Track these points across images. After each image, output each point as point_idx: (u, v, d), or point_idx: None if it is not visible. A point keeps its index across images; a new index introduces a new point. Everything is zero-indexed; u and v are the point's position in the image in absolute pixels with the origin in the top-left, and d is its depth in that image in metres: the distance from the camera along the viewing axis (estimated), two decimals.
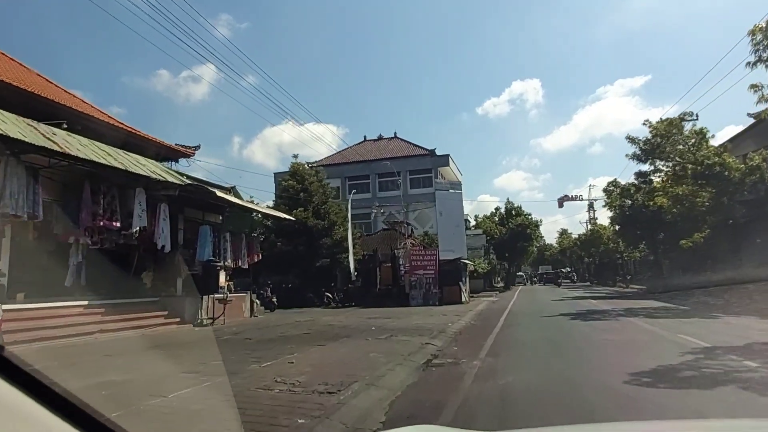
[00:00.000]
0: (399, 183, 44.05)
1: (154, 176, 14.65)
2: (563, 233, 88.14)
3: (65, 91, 17.66)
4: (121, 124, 17.55)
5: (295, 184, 31.37)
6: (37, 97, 14.80)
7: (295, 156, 33.64)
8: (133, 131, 17.60)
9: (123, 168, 13.11)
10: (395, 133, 57.00)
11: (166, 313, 15.51)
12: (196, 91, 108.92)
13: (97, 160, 12.29)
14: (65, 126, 13.02)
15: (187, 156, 20.33)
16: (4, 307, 11.19)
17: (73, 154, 11.39)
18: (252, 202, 26.23)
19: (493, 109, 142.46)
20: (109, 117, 17.22)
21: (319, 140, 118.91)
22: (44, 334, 11.20)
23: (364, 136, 58.56)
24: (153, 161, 16.49)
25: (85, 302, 13.43)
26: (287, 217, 22.11)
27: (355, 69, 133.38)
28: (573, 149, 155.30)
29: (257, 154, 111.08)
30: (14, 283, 12.75)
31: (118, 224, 13.83)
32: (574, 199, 76.69)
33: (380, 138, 57.85)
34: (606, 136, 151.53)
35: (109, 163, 12.65)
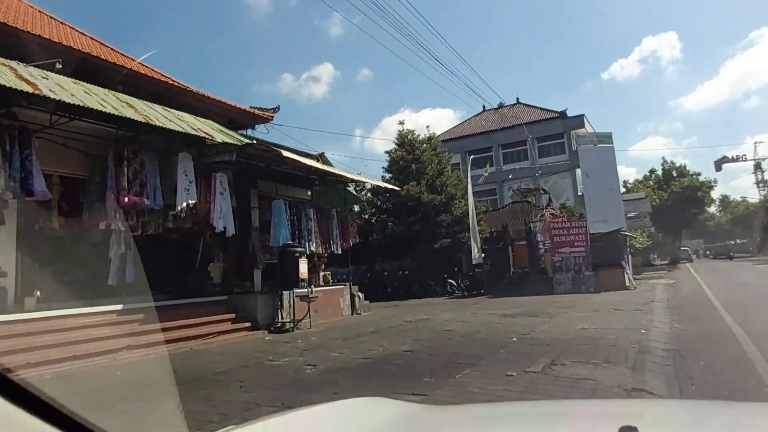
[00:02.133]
0: (528, 149, 37.51)
1: (198, 134, 10.92)
2: (723, 200, 73.57)
3: (122, 54, 14.82)
4: (180, 83, 14.27)
5: (405, 154, 26.79)
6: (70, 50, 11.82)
7: (401, 123, 29.11)
8: (195, 91, 14.24)
9: (143, 121, 9.44)
10: (517, 99, 49.75)
11: (233, 315, 11.87)
12: (317, 90, 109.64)
13: (98, 108, 8.69)
14: (59, 66, 9.69)
15: (264, 120, 16.72)
16: (3, 317, 8.09)
17: (51, 97, 7.85)
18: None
19: (621, 72, 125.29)
20: (164, 76, 14.00)
21: (439, 123, 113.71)
22: (63, 353, 7.97)
23: (483, 107, 52.09)
24: (208, 121, 12.90)
25: (129, 305, 10.15)
26: (391, 186, 17.71)
27: (465, 43, 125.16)
28: (723, 106, 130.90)
29: (377, 145, 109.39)
30: (27, 284, 9.82)
31: (147, 200, 10.29)
32: (735, 160, 62.47)
33: (501, 106, 50.98)
34: (765, 87, 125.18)
35: (120, 114, 9.03)
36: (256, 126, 16.68)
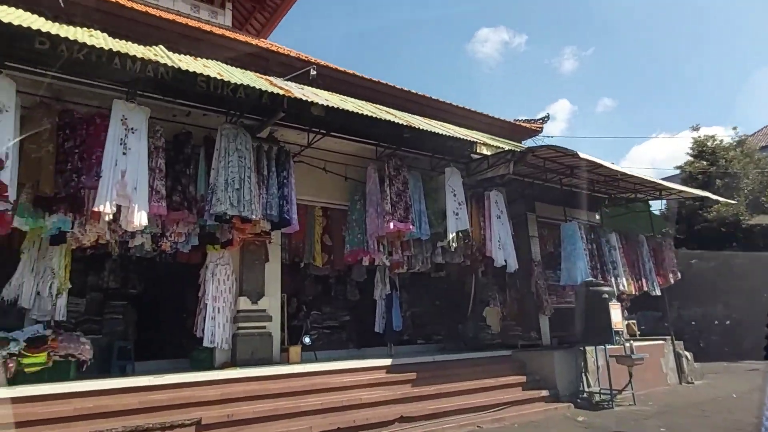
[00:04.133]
0: None
1: (470, 139, 8.57)
2: None
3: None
4: (435, 98, 12.49)
5: (706, 165, 20.55)
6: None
7: (695, 127, 22.77)
8: (453, 104, 12.26)
9: (408, 125, 7.48)
10: None
11: (523, 379, 8.81)
12: (553, 128, 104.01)
13: (361, 113, 7.02)
14: (314, 73, 8.45)
15: (532, 134, 13.83)
16: (268, 371, 6.75)
17: (315, 101, 6.38)
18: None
19: None
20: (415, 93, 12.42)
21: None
22: (326, 424, 6.25)
23: None
24: (472, 131, 10.55)
25: (400, 360, 8.10)
26: (718, 199, 12.47)
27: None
28: None
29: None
30: (292, 330, 8.58)
31: (413, 227, 8.19)
32: None
33: None
34: None
35: (384, 119, 7.23)
36: (522, 142, 13.89)
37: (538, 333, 10.44)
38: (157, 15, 8.45)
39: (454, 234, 8.63)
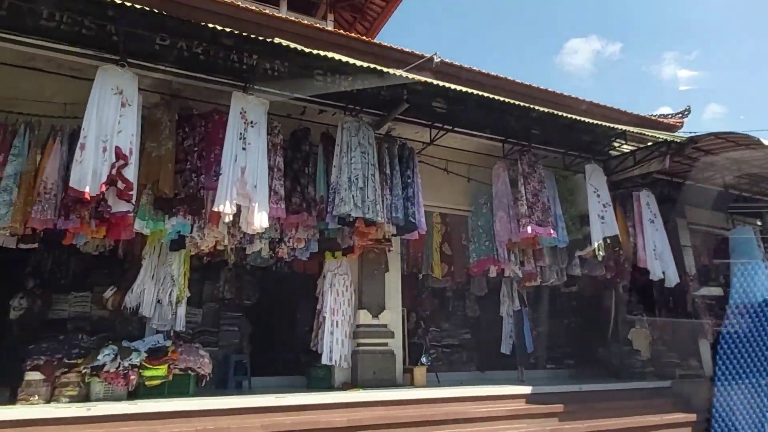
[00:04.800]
0: None
1: (618, 128, 7.31)
2: None
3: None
4: (562, 93, 11.20)
5: None
6: None
7: None
8: (583, 100, 10.87)
9: (539, 110, 6.43)
10: None
11: (693, 418, 7.22)
12: None
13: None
14: (438, 60, 7.62)
15: (672, 129, 12.03)
16: (393, 394, 5.94)
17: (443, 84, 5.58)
18: None
19: None
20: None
21: None
22: None
23: None
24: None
25: (540, 389, 6.93)
26: None
27: None
28: None
29: None
30: (413, 349, 7.73)
31: (554, 233, 7.04)
32: None
33: None
34: None
35: (518, 103, 6.25)
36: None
37: (698, 361, 8.71)
38: (271, 14, 8.16)
39: (601, 241, 7.34)
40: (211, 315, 7.41)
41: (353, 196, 5.67)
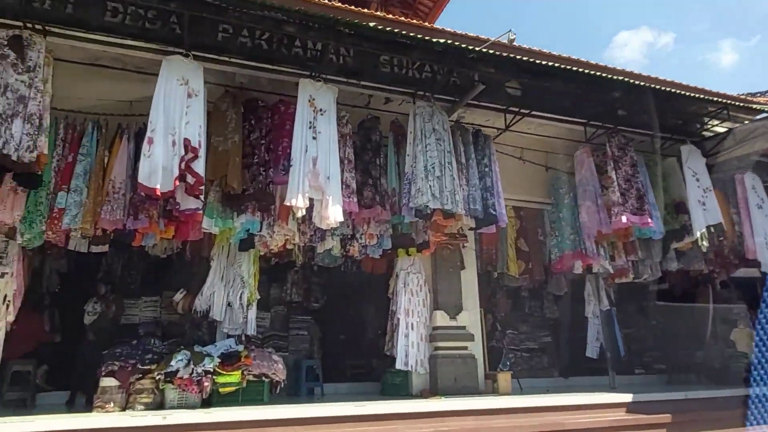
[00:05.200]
0: None
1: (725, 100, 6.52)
2: None
3: None
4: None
5: None
6: None
7: None
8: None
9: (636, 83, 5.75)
10: None
11: None
12: None
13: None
14: (513, 36, 7.06)
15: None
16: (474, 403, 5.42)
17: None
18: None
19: None
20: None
21: None
22: None
23: None
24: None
25: (640, 396, 6.18)
26: None
27: None
28: None
29: None
30: (492, 352, 7.17)
31: (650, 221, 6.31)
32: None
33: None
34: None
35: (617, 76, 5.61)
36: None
37: None
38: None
39: (704, 230, 6.54)
40: (279, 319, 7.14)
41: (430, 186, 5.21)
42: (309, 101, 5.03)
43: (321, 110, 5.05)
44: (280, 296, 7.30)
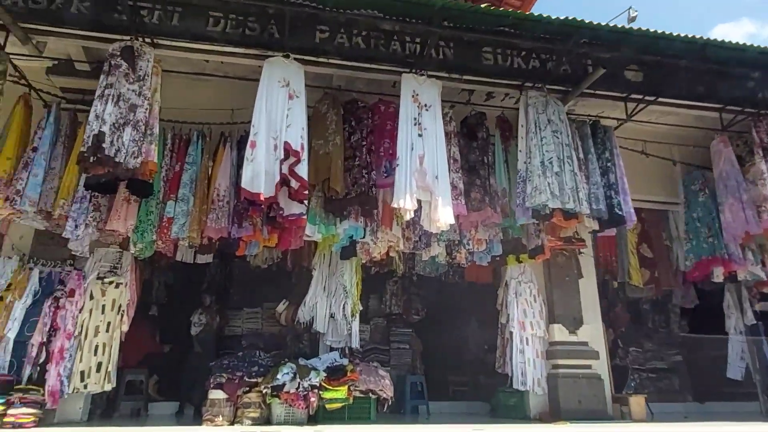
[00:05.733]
0: None
1: None
2: None
3: None
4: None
5: None
6: None
7: None
8: None
9: None
10: None
11: None
12: None
13: None
14: (634, 14, 6.23)
15: None
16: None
17: None
18: None
19: None
20: None
21: None
22: None
23: None
24: None
25: None
26: None
27: None
28: None
29: None
30: (619, 371, 6.36)
31: None
32: None
33: None
34: None
35: None
36: None
37: None
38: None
39: None
40: (379, 331, 6.83)
41: (549, 183, 4.65)
42: (413, 96, 4.70)
43: (426, 105, 4.70)
44: (379, 308, 7.00)
